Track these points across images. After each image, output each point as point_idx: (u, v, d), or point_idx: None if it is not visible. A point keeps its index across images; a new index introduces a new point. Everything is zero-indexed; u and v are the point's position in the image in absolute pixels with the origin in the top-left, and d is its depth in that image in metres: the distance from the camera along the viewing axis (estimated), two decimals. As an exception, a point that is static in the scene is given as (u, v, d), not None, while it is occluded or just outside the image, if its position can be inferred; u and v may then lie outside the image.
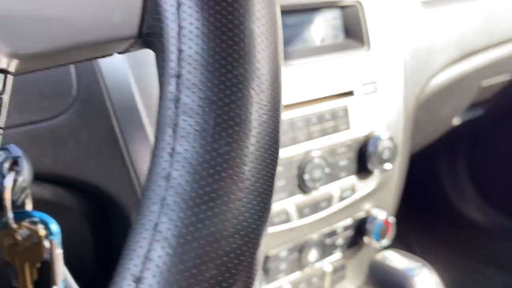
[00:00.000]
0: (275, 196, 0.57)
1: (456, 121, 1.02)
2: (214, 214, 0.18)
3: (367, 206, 0.66)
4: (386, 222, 0.65)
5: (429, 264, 0.76)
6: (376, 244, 0.66)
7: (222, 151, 0.19)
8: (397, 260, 0.66)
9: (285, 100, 0.57)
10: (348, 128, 0.60)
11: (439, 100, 0.85)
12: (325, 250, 0.64)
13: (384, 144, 0.61)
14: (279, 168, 0.56)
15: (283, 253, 0.60)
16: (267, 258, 0.59)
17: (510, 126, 1.25)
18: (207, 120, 0.19)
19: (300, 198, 0.58)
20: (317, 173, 0.58)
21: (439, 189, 1.41)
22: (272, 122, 0.20)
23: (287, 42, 0.59)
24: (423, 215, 1.46)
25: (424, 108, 0.81)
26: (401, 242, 1.09)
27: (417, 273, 0.61)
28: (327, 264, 0.66)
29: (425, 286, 0.60)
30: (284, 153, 0.56)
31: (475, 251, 1.34)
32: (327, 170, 0.59)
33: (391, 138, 0.62)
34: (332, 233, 0.64)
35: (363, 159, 0.62)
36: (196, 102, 0.19)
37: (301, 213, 0.59)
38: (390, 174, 0.67)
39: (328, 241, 0.64)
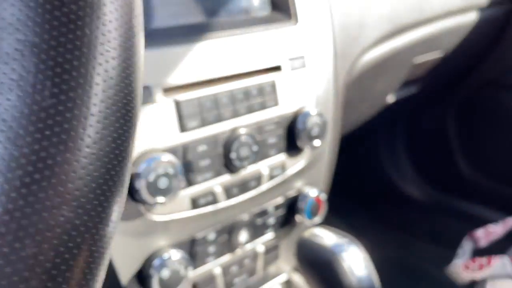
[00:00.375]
0: (199, 177, 0.54)
1: (390, 98, 1.03)
2: (33, 180, 0.15)
3: (298, 184, 0.65)
4: (317, 199, 0.64)
5: (366, 239, 0.76)
6: (308, 222, 0.65)
7: (46, 104, 0.15)
8: (325, 236, 0.65)
9: (208, 74, 0.54)
10: (276, 104, 0.58)
11: (372, 77, 0.85)
12: (257, 230, 0.63)
13: (313, 120, 0.60)
14: (203, 147, 0.54)
15: (211, 236, 0.58)
16: (193, 242, 0.56)
17: (441, 104, 1.28)
18: (26, 67, 0.15)
19: (227, 178, 0.56)
20: (245, 152, 0.56)
21: (378, 165, 1.44)
22: (122, 71, 0.17)
23: (211, 13, 0.56)
24: (362, 191, 1.49)
25: (357, 84, 0.81)
26: (339, 219, 1.10)
27: (344, 249, 0.61)
28: (259, 245, 0.64)
29: (352, 262, 0.60)
30: (208, 131, 0.53)
31: (412, 225, 1.39)
32: (255, 148, 0.56)
33: (320, 114, 0.61)
34: (263, 213, 0.63)
35: (292, 136, 0.60)
36: (13, 45, 0.15)
37: (229, 193, 0.56)
38: (321, 151, 0.66)
39: (259, 221, 0.62)
